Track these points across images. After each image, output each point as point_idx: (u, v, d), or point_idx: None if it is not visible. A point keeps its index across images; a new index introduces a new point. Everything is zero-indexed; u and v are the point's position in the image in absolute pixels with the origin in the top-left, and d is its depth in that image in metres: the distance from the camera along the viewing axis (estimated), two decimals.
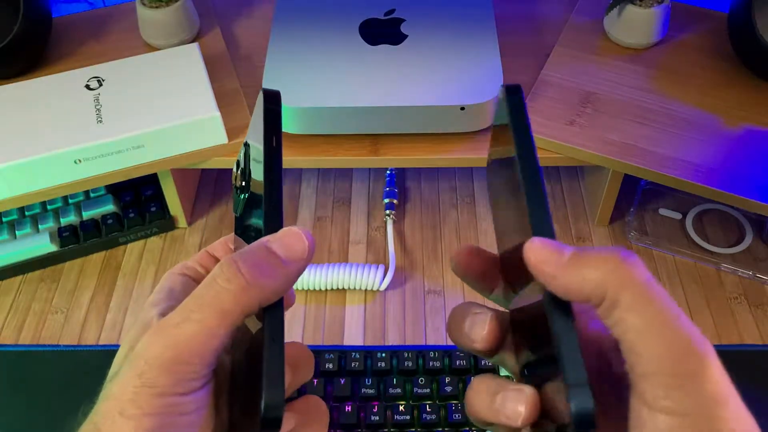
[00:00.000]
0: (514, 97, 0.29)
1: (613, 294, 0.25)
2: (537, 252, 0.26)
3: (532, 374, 0.29)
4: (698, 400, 0.23)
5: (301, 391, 0.55)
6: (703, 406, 0.24)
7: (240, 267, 0.27)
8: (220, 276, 0.27)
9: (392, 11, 0.69)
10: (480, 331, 0.30)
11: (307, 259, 0.28)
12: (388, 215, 0.69)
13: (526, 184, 0.27)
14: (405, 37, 0.66)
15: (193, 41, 0.71)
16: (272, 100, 0.31)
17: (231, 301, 0.26)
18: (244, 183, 0.33)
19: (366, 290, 0.64)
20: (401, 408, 0.54)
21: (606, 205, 0.66)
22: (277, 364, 0.26)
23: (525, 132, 0.28)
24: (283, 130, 0.63)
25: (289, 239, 0.28)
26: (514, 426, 0.27)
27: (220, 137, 0.62)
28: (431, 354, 0.57)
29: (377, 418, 0.54)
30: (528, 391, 0.27)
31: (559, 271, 0.25)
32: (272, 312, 0.27)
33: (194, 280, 0.32)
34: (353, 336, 0.61)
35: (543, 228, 0.27)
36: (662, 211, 0.69)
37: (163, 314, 0.29)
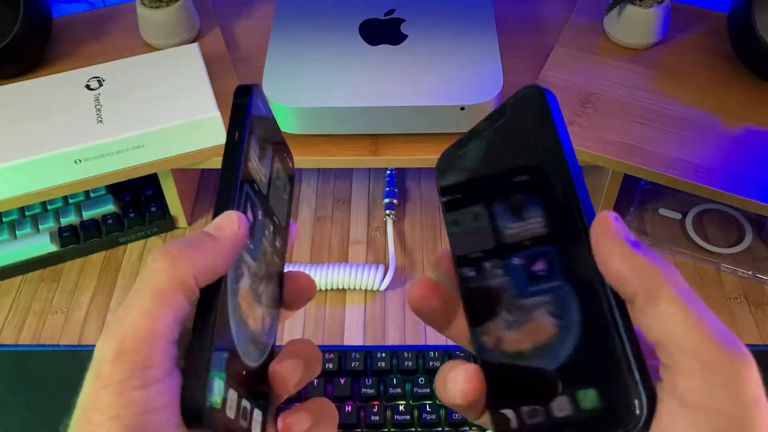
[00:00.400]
0: (552, 99, 0.30)
1: (658, 286, 0.25)
2: (611, 221, 0.26)
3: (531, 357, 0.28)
4: (738, 400, 0.23)
5: (302, 394, 0.55)
6: (742, 406, 0.23)
7: (168, 247, 0.27)
8: (151, 260, 0.27)
9: (392, 11, 0.69)
10: (411, 291, 0.33)
11: (239, 233, 0.29)
12: (388, 215, 0.69)
13: (577, 184, 0.27)
14: (405, 37, 0.66)
15: (193, 41, 0.71)
16: (241, 94, 0.31)
17: (162, 279, 0.26)
18: None
19: (366, 290, 0.64)
20: (401, 408, 0.54)
21: (606, 205, 0.66)
22: (202, 357, 0.26)
23: (566, 134, 0.29)
24: (284, 130, 0.63)
25: (219, 219, 0.29)
26: (458, 403, 0.28)
27: (220, 137, 0.62)
28: (431, 354, 0.57)
29: (377, 418, 0.54)
30: (469, 366, 0.28)
31: (622, 247, 0.26)
32: (205, 303, 0.27)
33: None
34: (353, 336, 0.61)
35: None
36: (662, 211, 0.69)
37: None
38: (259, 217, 0.32)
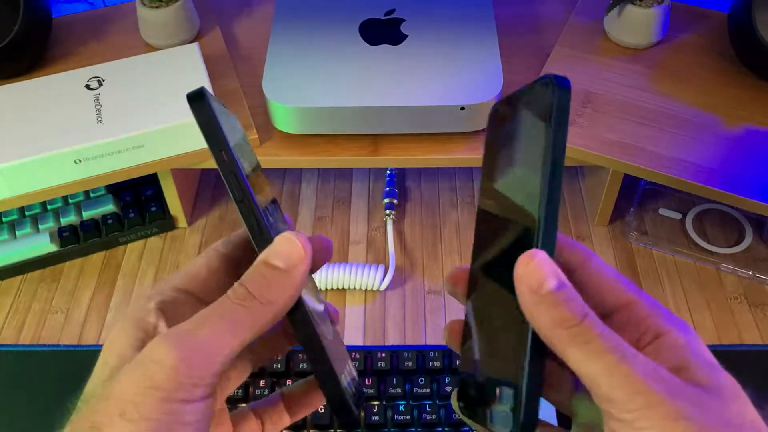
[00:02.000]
0: (564, 94, 0.27)
1: (565, 345, 0.26)
2: (533, 271, 0.26)
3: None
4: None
5: None
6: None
7: (250, 289, 0.28)
8: (233, 296, 0.28)
9: (392, 11, 0.69)
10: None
11: (307, 259, 0.28)
12: (388, 215, 0.69)
13: (547, 195, 0.27)
14: (405, 37, 0.66)
15: (193, 41, 0.71)
16: (199, 108, 0.28)
17: (245, 319, 0.27)
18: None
19: (366, 290, 0.64)
20: (401, 408, 0.54)
21: (606, 205, 0.66)
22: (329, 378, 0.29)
23: (563, 135, 0.27)
24: (284, 130, 0.63)
25: (283, 247, 0.28)
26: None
27: None
28: (431, 354, 0.57)
29: (377, 418, 0.54)
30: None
31: (541, 301, 0.26)
32: (299, 325, 0.28)
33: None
34: (353, 336, 0.61)
35: (549, 241, 0.27)
36: (662, 211, 0.69)
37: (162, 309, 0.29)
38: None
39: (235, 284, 0.28)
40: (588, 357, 0.25)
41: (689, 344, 0.27)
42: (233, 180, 0.28)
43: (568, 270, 0.28)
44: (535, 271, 0.26)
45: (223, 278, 0.31)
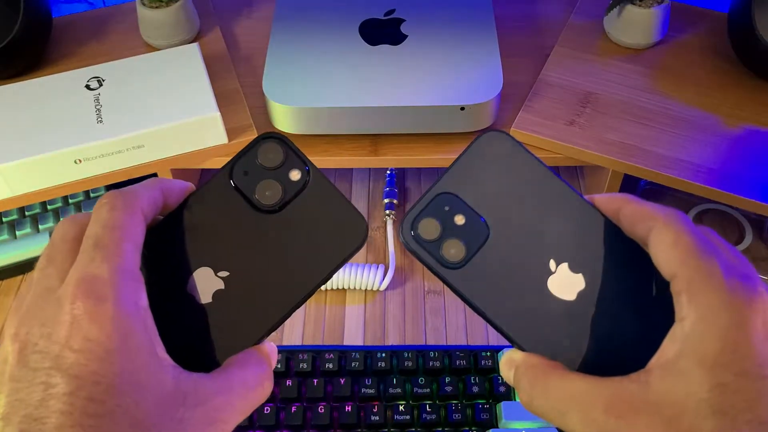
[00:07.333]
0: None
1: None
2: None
3: None
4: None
5: (302, 393, 0.55)
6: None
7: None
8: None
9: (392, 11, 0.69)
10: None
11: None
12: (388, 215, 0.69)
13: None
14: (405, 37, 0.67)
15: (193, 41, 0.71)
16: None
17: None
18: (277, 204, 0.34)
19: (366, 290, 0.64)
20: (401, 408, 0.54)
21: None
22: None
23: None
24: (284, 130, 0.63)
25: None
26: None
27: (220, 137, 0.62)
28: (431, 354, 0.57)
29: (377, 418, 0.54)
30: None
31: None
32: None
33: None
34: (353, 336, 0.61)
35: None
36: None
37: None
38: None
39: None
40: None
41: (687, 338, 0.27)
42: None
43: (644, 242, 0.30)
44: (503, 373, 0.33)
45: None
